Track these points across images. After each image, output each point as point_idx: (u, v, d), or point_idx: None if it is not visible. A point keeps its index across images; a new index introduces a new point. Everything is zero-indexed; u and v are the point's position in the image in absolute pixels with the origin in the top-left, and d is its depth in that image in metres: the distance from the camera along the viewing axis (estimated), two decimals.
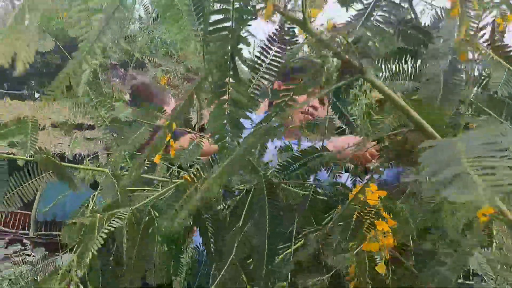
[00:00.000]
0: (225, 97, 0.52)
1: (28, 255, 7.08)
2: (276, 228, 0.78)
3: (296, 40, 0.55)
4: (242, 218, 0.88)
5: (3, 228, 8.97)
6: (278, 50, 0.54)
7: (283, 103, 0.55)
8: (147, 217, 0.93)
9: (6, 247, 7.75)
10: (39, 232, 8.94)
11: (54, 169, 0.86)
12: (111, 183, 1.02)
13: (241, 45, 0.48)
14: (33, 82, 17.83)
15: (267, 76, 0.55)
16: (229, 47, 0.47)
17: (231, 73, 0.49)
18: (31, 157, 0.88)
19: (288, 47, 0.54)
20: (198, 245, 1.22)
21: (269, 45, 0.54)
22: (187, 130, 1.06)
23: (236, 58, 0.49)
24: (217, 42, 0.46)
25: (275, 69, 0.55)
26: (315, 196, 0.89)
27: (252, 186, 0.91)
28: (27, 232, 9.06)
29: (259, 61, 0.54)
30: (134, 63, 1.99)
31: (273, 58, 0.54)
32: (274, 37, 0.54)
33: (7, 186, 0.86)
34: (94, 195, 1.11)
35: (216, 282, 0.79)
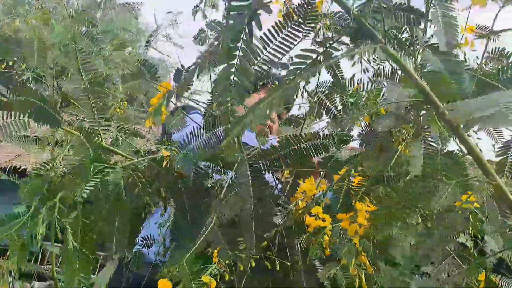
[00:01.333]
0: (234, 61, 0.53)
1: None
2: (261, 195, 0.81)
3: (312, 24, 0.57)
4: (225, 188, 0.90)
5: None
6: (291, 30, 0.55)
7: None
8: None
9: None
10: None
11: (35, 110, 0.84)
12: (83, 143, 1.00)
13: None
14: None
15: (276, 53, 0.57)
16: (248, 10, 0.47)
17: (245, 38, 0.50)
18: None
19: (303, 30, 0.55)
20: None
21: (284, 23, 0.56)
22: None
23: (253, 24, 0.49)
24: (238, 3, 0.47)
25: (285, 48, 0.57)
26: None
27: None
28: None
29: (270, 36, 0.56)
30: None
31: (285, 37, 0.56)
32: (290, 18, 0.55)
33: None
34: (61, 155, 1.10)
35: (196, 246, 0.81)
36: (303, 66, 0.55)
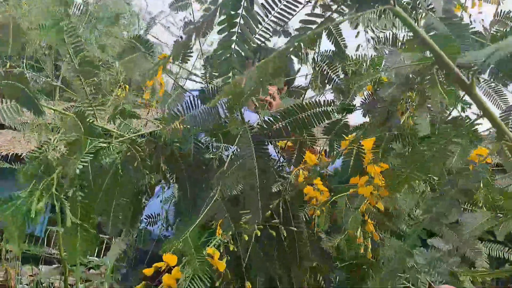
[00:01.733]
0: (235, 29, 0.51)
1: None
2: (265, 166, 0.80)
3: None
4: (227, 161, 0.89)
5: None
6: None
7: None
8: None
9: None
10: None
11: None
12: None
13: None
14: None
15: (277, 21, 0.54)
16: None
17: (245, 4, 0.48)
18: None
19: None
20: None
21: None
22: None
23: None
24: None
25: (287, 15, 0.55)
26: None
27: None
28: None
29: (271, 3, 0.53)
30: None
31: (287, 3, 0.54)
32: None
33: None
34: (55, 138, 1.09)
35: (199, 219, 0.81)
36: (307, 32, 0.53)
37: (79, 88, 1.01)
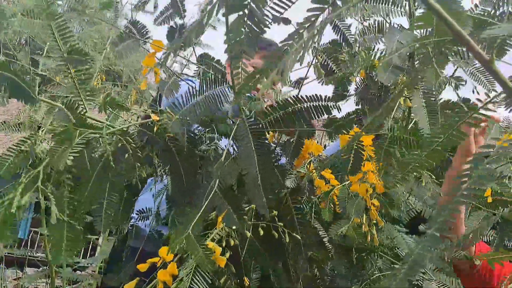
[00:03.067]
0: (246, 10, 0.48)
1: None
2: (264, 157, 0.78)
3: None
4: (224, 153, 0.86)
5: None
6: None
7: None
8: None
9: None
10: None
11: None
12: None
13: None
14: None
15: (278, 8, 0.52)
16: None
17: None
18: None
19: None
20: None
21: None
22: None
23: None
24: None
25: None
26: None
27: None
28: None
29: None
30: None
31: None
32: None
33: None
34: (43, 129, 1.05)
35: (200, 213, 0.78)
36: (313, 19, 0.51)
37: (68, 78, 0.96)
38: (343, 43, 1.14)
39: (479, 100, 0.60)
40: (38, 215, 1.13)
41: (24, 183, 0.79)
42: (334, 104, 0.83)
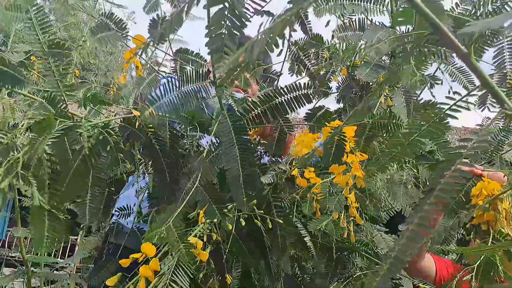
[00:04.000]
0: (226, 4, 0.49)
1: None
2: (246, 155, 0.78)
3: None
4: (206, 149, 0.86)
5: None
6: None
7: None
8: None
9: None
10: None
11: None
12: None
13: None
14: None
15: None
16: None
17: None
18: None
19: None
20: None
21: None
22: None
23: None
24: None
25: None
26: None
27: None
28: None
29: None
30: None
31: None
32: None
33: None
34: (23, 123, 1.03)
35: (182, 206, 0.77)
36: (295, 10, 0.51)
37: (48, 71, 0.94)
38: (326, 40, 1.15)
39: (450, 98, 0.61)
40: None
41: (4, 167, 0.77)
42: (314, 91, 0.84)
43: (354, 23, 1.08)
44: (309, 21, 1.25)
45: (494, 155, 1.10)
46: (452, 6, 1.00)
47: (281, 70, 1.20)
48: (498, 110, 0.58)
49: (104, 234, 1.29)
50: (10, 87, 0.75)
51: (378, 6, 0.98)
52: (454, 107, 0.62)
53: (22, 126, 0.84)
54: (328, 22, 1.32)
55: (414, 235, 0.49)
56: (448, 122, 0.87)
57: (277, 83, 1.29)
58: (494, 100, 1.04)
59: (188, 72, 0.76)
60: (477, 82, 1.18)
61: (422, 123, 0.73)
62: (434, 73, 1.10)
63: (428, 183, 1.12)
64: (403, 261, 0.48)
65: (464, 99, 0.61)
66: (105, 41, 0.79)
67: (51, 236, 0.84)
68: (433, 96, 1.10)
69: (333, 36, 1.13)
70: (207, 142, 0.91)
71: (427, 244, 1.05)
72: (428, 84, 1.09)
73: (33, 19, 0.89)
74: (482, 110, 1.03)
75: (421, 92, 1.12)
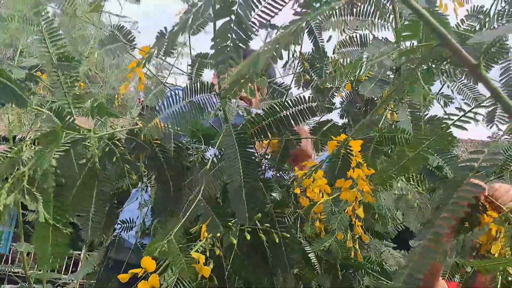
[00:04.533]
0: (232, 16, 0.49)
1: None
2: (249, 168, 0.77)
3: None
4: (209, 162, 0.86)
5: None
6: None
7: None
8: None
9: None
10: None
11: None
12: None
13: None
14: None
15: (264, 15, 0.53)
16: None
17: None
18: None
19: None
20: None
21: None
22: None
23: None
24: None
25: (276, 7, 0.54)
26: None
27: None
28: None
29: None
30: None
31: None
32: None
33: None
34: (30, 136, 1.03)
35: (184, 220, 0.77)
36: (300, 22, 0.51)
37: (57, 83, 0.95)
38: (327, 54, 1.15)
39: (460, 109, 0.61)
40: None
41: (10, 183, 0.77)
42: (319, 104, 0.84)
43: (355, 39, 1.09)
44: (321, 36, 1.25)
45: (503, 169, 1.08)
46: (457, 23, 1.00)
47: (291, 84, 1.20)
48: (506, 126, 0.57)
49: (105, 249, 1.28)
50: (13, 104, 0.76)
51: (383, 22, 0.98)
52: (462, 119, 0.62)
53: (28, 139, 0.84)
54: (330, 38, 1.33)
55: (427, 251, 0.47)
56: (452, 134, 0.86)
57: (286, 97, 1.29)
58: (502, 116, 1.03)
59: (193, 84, 0.76)
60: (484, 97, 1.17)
61: (428, 135, 0.73)
62: (441, 88, 1.10)
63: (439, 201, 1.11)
64: (417, 279, 0.46)
65: (472, 111, 0.61)
66: (113, 52, 0.80)
67: (55, 252, 0.84)
68: (445, 112, 1.10)
69: (334, 51, 1.14)
70: (210, 155, 0.90)
71: (442, 263, 1.03)
72: (442, 102, 1.09)
73: (43, 31, 0.90)
74: (490, 127, 1.02)
75: (428, 109, 1.11)
